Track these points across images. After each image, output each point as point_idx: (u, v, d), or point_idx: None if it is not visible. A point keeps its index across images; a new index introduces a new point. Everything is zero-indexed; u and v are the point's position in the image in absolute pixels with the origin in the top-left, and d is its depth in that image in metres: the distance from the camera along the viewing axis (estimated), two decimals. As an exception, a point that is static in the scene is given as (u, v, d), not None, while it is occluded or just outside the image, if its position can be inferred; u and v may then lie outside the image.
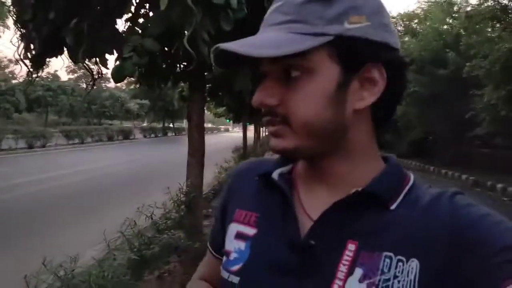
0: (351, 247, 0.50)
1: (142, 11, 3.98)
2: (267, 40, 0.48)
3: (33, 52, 3.93)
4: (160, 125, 45.04)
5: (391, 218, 0.50)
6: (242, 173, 0.70)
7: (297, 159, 0.60)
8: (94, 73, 3.77)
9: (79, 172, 10.95)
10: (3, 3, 13.78)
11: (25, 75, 4.13)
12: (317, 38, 0.47)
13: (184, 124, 55.28)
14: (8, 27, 14.39)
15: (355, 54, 0.49)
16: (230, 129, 77.47)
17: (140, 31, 3.51)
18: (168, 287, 3.58)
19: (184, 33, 2.80)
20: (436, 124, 12.99)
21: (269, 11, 0.52)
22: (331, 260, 0.50)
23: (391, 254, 0.47)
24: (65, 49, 3.81)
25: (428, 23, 14.10)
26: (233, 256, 0.59)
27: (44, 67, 4.13)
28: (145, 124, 47.69)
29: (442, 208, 0.49)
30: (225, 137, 41.81)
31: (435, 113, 12.66)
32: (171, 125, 47.42)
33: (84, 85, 49.09)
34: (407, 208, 0.51)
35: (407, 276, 0.46)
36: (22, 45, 3.94)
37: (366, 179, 0.53)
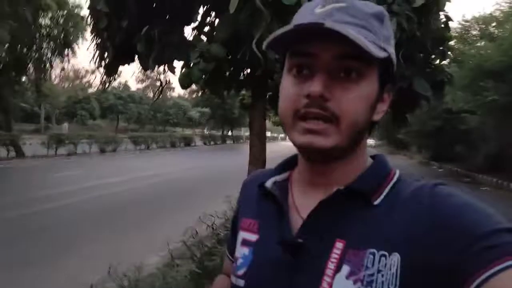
0: (339, 245, 0.52)
1: (208, 19, 4.00)
2: (361, 37, 0.49)
3: (107, 60, 4.11)
4: (219, 133, 46.22)
5: (375, 214, 0.52)
6: (247, 184, 0.74)
7: (318, 160, 0.58)
8: (162, 81, 3.84)
9: (144, 177, 11.44)
10: (83, 17, 15.02)
11: (100, 84, 4.33)
12: (382, 52, 0.52)
13: (242, 132, 56.20)
14: (86, 39, 15.63)
15: (389, 75, 0.56)
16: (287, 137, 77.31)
17: (206, 39, 3.50)
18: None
19: (251, 37, 2.71)
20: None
21: (328, 7, 0.52)
22: (320, 257, 0.52)
23: (374, 250, 0.50)
24: (136, 57, 3.94)
25: (508, 27, 12.84)
26: (239, 261, 0.63)
27: (116, 75, 4.31)
28: (205, 132, 49.26)
29: (422, 200, 0.51)
30: (283, 146, 41.72)
31: (517, 124, 11.41)
32: (229, 133, 48.43)
33: (151, 94, 52.12)
34: (390, 203, 0.53)
35: (390, 269, 0.48)
36: (97, 53, 4.13)
37: (351, 178, 0.56)
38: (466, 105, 13.21)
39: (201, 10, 3.88)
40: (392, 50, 0.55)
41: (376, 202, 0.53)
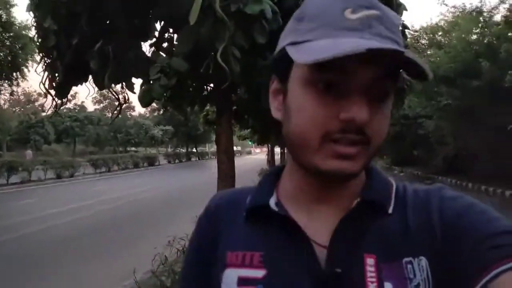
0: (370, 261, 0.48)
1: (166, 35, 3.83)
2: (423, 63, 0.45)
3: (58, 81, 3.81)
4: (184, 150, 45.42)
5: (392, 222, 0.51)
6: (218, 209, 0.62)
7: (342, 182, 0.52)
8: (120, 99, 3.60)
9: (105, 201, 10.88)
10: (31, 38, 14.28)
11: (52, 107, 4.01)
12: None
13: (207, 148, 55.67)
14: (36, 61, 14.87)
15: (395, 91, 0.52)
16: (253, 151, 77.21)
17: (163, 54, 3.33)
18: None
19: (215, 49, 2.57)
20: (472, 138, 12.30)
21: (361, 13, 0.46)
22: (357, 281, 0.47)
23: (410, 258, 0.48)
24: (89, 76, 3.68)
25: (454, 34, 13.63)
26: None
27: (70, 97, 4.02)
28: (169, 150, 48.25)
29: (431, 203, 0.51)
30: (249, 159, 41.60)
31: (470, 127, 12.02)
32: (194, 150, 47.74)
33: (110, 115, 50.48)
34: (401, 209, 0.52)
35: (421, 275, 0.46)
36: (46, 75, 3.82)
37: (354, 190, 0.53)
38: (423, 110, 13.80)
39: (158, 26, 3.70)
40: None
41: (390, 211, 0.52)
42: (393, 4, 4.08)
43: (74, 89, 4.10)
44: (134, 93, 3.43)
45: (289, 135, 0.51)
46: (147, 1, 2.73)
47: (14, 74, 14.35)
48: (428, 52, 16.57)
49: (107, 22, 3.08)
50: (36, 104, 43.82)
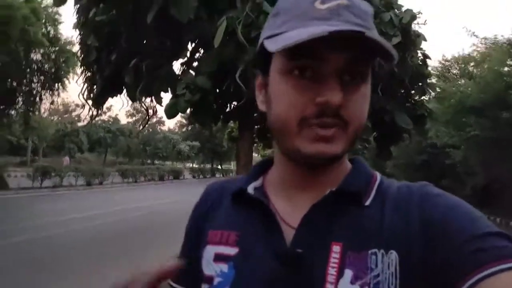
0: (336, 248, 0.49)
1: (197, 55, 4.15)
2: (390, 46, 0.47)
3: (95, 93, 4.18)
4: (209, 166, 46.01)
5: (367, 214, 0.51)
6: (211, 194, 0.67)
7: (319, 166, 0.55)
8: (149, 111, 3.91)
9: (130, 209, 11.25)
10: (74, 53, 15.30)
11: (88, 116, 4.39)
12: None
13: (232, 166, 56.10)
14: (77, 74, 15.84)
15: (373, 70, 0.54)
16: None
17: (193, 73, 3.63)
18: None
19: (236, 70, 2.83)
20: (501, 170, 11.94)
21: (330, 3, 0.49)
22: (319, 264, 0.49)
23: (375, 250, 0.48)
24: (124, 89, 4.03)
25: (486, 66, 13.45)
26: (217, 280, 0.55)
27: (106, 109, 4.39)
28: (195, 165, 48.97)
29: (412, 198, 0.51)
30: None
31: (499, 158, 11.69)
32: (219, 167, 48.26)
33: (141, 127, 52.14)
34: (380, 203, 0.52)
35: (388, 268, 0.47)
36: (85, 86, 4.21)
37: (338, 180, 0.54)
38: (450, 139, 13.54)
39: (190, 47, 4.03)
40: None
41: (366, 203, 0.52)
42: (410, 35, 4.27)
43: (109, 102, 4.49)
44: (162, 106, 3.74)
45: (271, 123, 0.54)
46: (178, 25, 3.05)
47: (56, 85, 15.35)
48: (459, 82, 16.34)
49: (143, 41, 3.43)
50: (73, 114, 46.07)
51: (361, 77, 0.50)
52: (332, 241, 0.50)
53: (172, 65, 3.92)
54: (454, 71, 19.20)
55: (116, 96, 3.94)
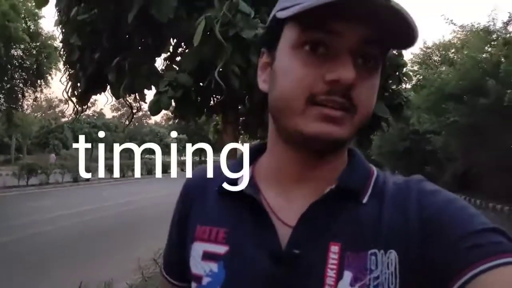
0: (334, 249, 0.47)
1: (180, 50, 4.24)
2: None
3: (79, 90, 4.25)
4: (197, 159, 46.04)
5: (365, 212, 0.49)
6: (195, 184, 0.63)
7: (328, 151, 0.51)
8: (133, 107, 4.01)
9: (118, 204, 11.31)
10: (56, 48, 15.12)
11: (73, 113, 4.46)
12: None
13: (220, 158, 56.07)
14: (59, 70, 15.68)
15: (384, 65, 0.50)
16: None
17: (176, 68, 3.73)
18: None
19: (215, 68, 2.95)
20: (479, 155, 12.36)
21: None
22: (317, 266, 0.47)
23: (375, 250, 0.46)
24: (107, 86, 4.11)
25: (466, 52, 13.80)
26: (206, 280, 0.52)
27: (90, 104, 4.46)
28: (182, 158, 48.93)
29: (410, 195, 0.50)
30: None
31: (477, 144, 12.09)
32: (206, 159, 48.26)
33: (127, 122, 51.71)
34: (377, 200, 0.50)
35: (388, 268, 0.45)
36: (69, 84, 4.28)
37: (334, 175, 0.52)
38: (431, 126, 13.92)
39: (172, 42, 4.12)
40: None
41: (364, 200, 0.51)
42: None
43: (94, 96, 4.54)
44: (146, 103, 3.84)
45: (273, 101, 0.50)
46: (159, 24, 3.14)
47: (39, 81, 15.17)
48: (440, 69, 16.70)
49: (124, 40, 3.50)
50: (57, 110, 45.36)
51: (374, 62, 0.47)
52: (330, 241, 0.48)
53: (154, 63, 4.00)
54: (435, 58, 19.59)
55: (100, 93, 4.02)
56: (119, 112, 59.94)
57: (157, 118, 63.26)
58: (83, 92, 3.97)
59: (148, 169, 28.70)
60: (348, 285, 0.45)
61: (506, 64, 9.93)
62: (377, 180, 0.53)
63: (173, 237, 0.63)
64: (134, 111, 3.90)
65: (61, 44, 4.26)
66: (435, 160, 16.50)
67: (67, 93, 3.92)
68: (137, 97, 3.83)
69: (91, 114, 47.06)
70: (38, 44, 14.18)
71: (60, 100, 45.59)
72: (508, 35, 11.36)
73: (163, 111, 3.81)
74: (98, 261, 5.25)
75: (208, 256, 0.53)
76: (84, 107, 4.16)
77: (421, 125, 14.85)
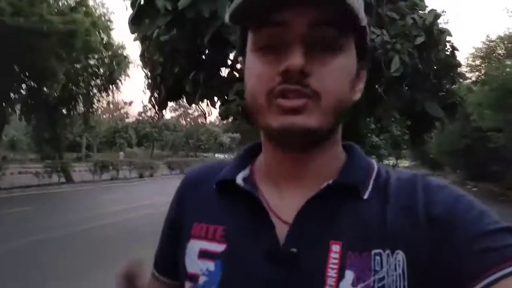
0: (336, 248, 0.45)
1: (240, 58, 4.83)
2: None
3: (157, 98, 4.99)
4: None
5: (367, 209, 0.47)
6: (193, 181, 0.61)
7: (296, 146, 0.49)
8: (205, 113, 4.66)
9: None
10: (125, 56, 16.75)
11: (155, 118, 5.20)
12: (365, 19, 0.46)
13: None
14: (128, 76, 17.26)
15: (363, 48, 0.50)
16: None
17: (237, 75, 4.30)
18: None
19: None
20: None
21: None
22: (317, 265, 0.45)
23: (379, 250, 0.44)
24: (182, 95, 4.80)
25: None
26: (202, 279, 0.51)
27: (151, 105, 5.19)
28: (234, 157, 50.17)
29: (415, 192, 0.47)
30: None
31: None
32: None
33: (184, 122, 54.30)
34: (379, 197, 0.48)
35: (395, 270, 0.43)
36: (148, 92, 5.04)
37: (334, 171, 0.50)
38: (494, 123, 13.31)
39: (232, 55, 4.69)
40: (366, 21, 0.48)
41: (365, 196, 0.48)
42: (433, 34, 4.65)
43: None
44: (215, 108, 4.47)
45: (246, 104, 0.51)
46: (228, 43, 3.71)
47: (111, 86, 16.85)
48: (507, 63, 15.82)
49: (199, 57, 4.15)
50: (122, 111, 48.94)
51: (334, 44, 0.46)
52: (331, 240, 0.46)
53: (221, 72, 4.61)
54: (500, 51, 18.48)
55: (177, 101, 4.72)
56: (177, 113, 62.94)
57: (212, 118, 65.25)
58: (163, 100, 4.70)
59: (205, 166, 30.19)
60: (350, 285, 0.44)
61: None
62: (378, 175, 0.51)
63: (167, 235, 0.62)
64: (206, 116, 4.53)
65: (129, 53, 5.01)
66: (499, 157, 15.68)
67: (151, 101, 4.67)
68: (208, 103, 4.46)
69: (152, 115, 50.01)
70: (110, 53, 15.78)
71: (125, 103, 49.19)
72: None
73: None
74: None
75: (204, 255, 0.52)
76: (163, 111, 4.89)
77: (484, 122, 14.23)
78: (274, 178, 0.53)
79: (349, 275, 0.44)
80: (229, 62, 4.73)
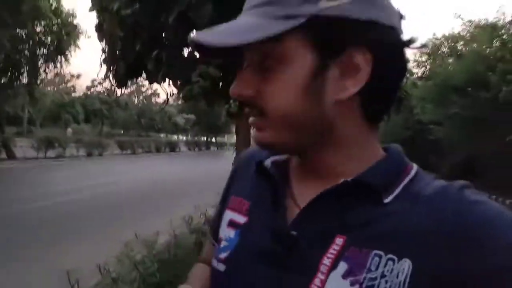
0: (339, 241, 0.46)
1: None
2: (236, 27, 0.46)
3: (116, 75, 4.87)
4: (204, 139, 46.81)
5: (385, 212, 0.46)
6: (245, 159, 0.67)
7: (281, 153, 0.56)
8: (167, 93, 4.63)
9: (130, 179, 12.03)
10: (75, 26, 15.73)
11: (113, 94, 5.06)
12: (289, 21, 0.44)
13: (226, 139, 56.85)
14: (79, 47, 16.28)
15: (332, 37, 0.45)
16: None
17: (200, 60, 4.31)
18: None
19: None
20: (480, 147, 12.89)
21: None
22: (316, 252, 0.46)
23: (381, 252, 0.43)
24: (143, 73, 4.73)
25: (473, 45, 14.14)
26: (223, 244, 0.57)
27: (101, 80, 5.06)
28: (189, 138, 49.70)
29: (446, 202, 0.44)
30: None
31: (478, 136, 12.60)
32: (213, 140, 49.07)
33: (136, 100, 52.39)
34: (404, 202, 0.46)
35: (397, 277, 0.42)
36: (101, 67, 4.91)
37: (360, 170, 0.49)
38: (434, 116, 14.38)
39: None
40: (328, 4, 0.44)
41: (387, 200, 0.46)
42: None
43: (103, 73, 5.02)
44: (177, 88, 4.46)
45: None
46: (194, 25, 3.72)
47: (58, 57, 15.81)
48: (449, 61, 17.00)
49: (163, 35, 4.11)
50: (69, 85, 46.12)
51: (277, 60, 0.46)
52: (338, 234, 0.46)
53: (184, 55, 4.60)
54: (444, 50, 19.78)
55: (137, 79, 4.65)
56: (129, 89, 60.54)
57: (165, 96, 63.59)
58: (123, 77, 4.60)
59: (157, 147, 29.59)
60: (340, 276, 0.44)
61: (502, 64, 10.38)
62: (413, 181, 0.48)
63: (219, 203, 0.68)
64: (168, 95, 4.52)
65: (80, 22, 4.82)
66: (438, 149, 17.00)
67: (108, 77, 4.55)
68: (170, 83, 4.44)
69: (101, 91, 47.78)
70: (59, 21, 14.75)
71: (72, 76, 46.39)
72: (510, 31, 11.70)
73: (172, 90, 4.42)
74: (120, 230, 5.80)
75: (231, 224, 0.58)
76: (122, 89, 4.79)
77: (425, 115, 15.30)
78: (299, 169, 0.56)
79: (342, 266, 0.44)
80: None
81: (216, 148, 46.98)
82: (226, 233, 0.58)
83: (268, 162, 0.56)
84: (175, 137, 47.73)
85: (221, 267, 0.55)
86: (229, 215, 0.60)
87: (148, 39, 4.04)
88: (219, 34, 0.45)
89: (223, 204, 0.64)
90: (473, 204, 0.43)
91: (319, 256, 0.46)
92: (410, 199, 0.46)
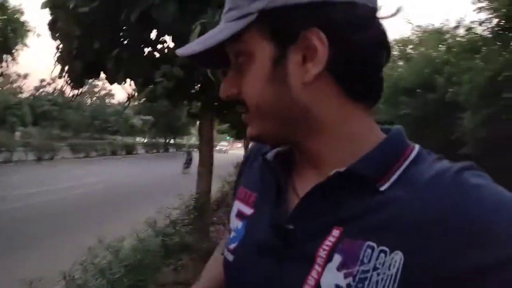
0: (335, 233, 0.45)
1: (173, 45, 4.72)
2: (208, 35, 0.51)
3: (73, 74, 4.66)
4: (162, 141, 45.79)
5: (380, 201, 0.44)
6: (255, 150, 0.68)
7: (270, 144, 0.57)
8: (128, 94, 4.50)
9: (86, 184, 11.54)
10: (23, 23, 14.78)
11: (33, 90, 4.83)
12: (242, 20, 0.47)
13: (185, 140, 55.90)
14: (27, 45, 15.32)
15: (282, 25, 0.46)
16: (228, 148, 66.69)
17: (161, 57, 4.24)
18: (182, 278, 4.18)
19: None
20: (427, 145, 13.69)
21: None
22: (313, 245, 0.46)
23: (373, 244, 0.42)
24: (100, 73, 4.56)
25: (421, 49, 15.00)
26: (232, 234, 0.59)
27: (50, 81, 4.82)
28: (146, 140, 48.41)
29: (443, 188, 0.42)
30: (225, 156, 42.45)
31: (426, 135, 13.41)
32: (172, 141, 48.15)
33: (89, 101, 50.17)
34: (401, 189, 0.44)
35: (388, 269, 0.41)
36: (65, 68, 4.69)
37: (354, 157, 0.47)
38: (386, 117, 15.13)
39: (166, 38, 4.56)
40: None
41: (382, 188, 0.45)
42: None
43: (54, 73, 4.76)
44: (137, 89, 4.35)
45: None
46: (157, 24, 3.64)
47: (4, 56, 14.79)
48: (399, 63, 17.89)
49: (123, 34, 3.98)
50: (14, 85, 43.17)
51: (244, 56, 0.49)
52: (334, 225, 0.46)
53: (144, 52, 4.50)
54: (395, 53, 20.80)
55: (96, 78, 4.48)
56: (81, 90, 57.67)
57: (121, 98, 61.41)
58: (79, 76, 4.40)
59: (113, 150, 28.54)
60: (335, 269, 0.44)
61: (449, 65, 11.16)
62: (412, 166, 0.46)
63: (233, 195, 0.69)
64: (130, 96, 4.40)
65: (28, 19, 4.55)
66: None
67: (63, 77, 4.34)
68: (132, 84, 4.32)
69: (51, 91, 45.19)
70: (4, 18, 13.81)
71: (19, 75, 43.44)
72: (457, 37, 12.59)
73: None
74: (71, 239, 5.61)
75: (239, 215, 0.60)
76: (79, 89, 4.59)
77: (378, 115, 16.01)
78: (298, 161, 0.57)
79: (337, 258, 0.44)
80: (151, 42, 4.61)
81: (175, 150, 46.11)
82: (235, 224, 0.60)
83: (271, 155, 0.57)
84: (132, 139, 46.22)
85: (230, 257, 0.58)
86: (237, 205, 0.62)
87: (108, 38, 3.91)
88: (196, 44, 0.50)
89: (234, 194, 0.67)
90: (472, 189, 0.41)
91: (314, 249, 0.46)
92: (407, 186, 0.44)
